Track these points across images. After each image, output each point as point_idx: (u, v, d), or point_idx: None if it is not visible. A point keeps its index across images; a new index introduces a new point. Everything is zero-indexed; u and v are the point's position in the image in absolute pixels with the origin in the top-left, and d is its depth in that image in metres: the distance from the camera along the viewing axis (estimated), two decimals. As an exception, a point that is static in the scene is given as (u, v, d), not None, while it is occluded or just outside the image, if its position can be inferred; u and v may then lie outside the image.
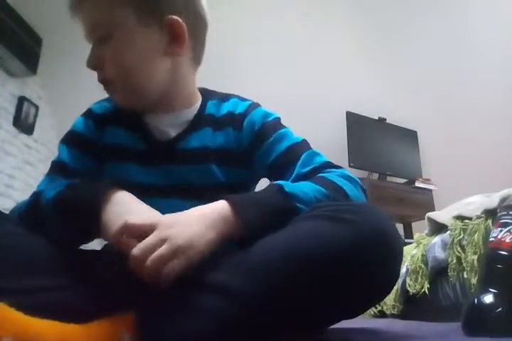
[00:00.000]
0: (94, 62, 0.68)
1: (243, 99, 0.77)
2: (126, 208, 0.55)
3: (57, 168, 0.72)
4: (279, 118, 0.75)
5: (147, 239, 0.48)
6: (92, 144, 0.73)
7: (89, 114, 0.76)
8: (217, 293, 0.46)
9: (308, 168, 0.65)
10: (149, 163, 0.71)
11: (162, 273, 0.47)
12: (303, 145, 0.70)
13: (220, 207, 0.53)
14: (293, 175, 0.65)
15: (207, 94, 0.77)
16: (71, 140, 0.74)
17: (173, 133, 0.72)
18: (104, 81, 0.69)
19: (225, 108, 0.75)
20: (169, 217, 0.52)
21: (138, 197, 0.64)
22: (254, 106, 0.75)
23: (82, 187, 0.60)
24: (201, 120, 0.73)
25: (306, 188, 0.57)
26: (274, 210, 0.53)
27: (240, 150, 0.71)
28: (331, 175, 0.62)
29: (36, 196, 0.62)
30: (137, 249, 0.48)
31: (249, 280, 0.46)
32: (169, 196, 0.68)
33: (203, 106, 0.75)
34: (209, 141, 0.71)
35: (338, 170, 0.65)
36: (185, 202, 0.59)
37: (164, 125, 0.72)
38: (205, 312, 0.46)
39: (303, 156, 0.66)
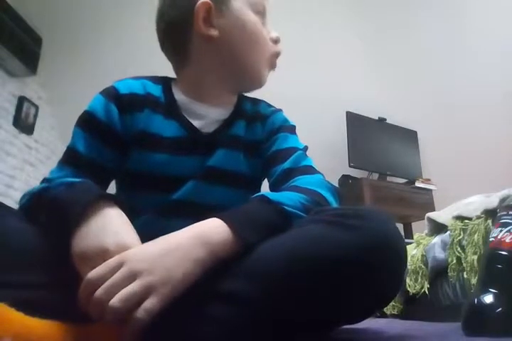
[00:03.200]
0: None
1: (270, 105, 0.84)
2: (103, 228, 0.49)
3: (69, 156, 0.68)
4: (294, 126, 0.81)
5: (113, 277, 0.44)
6: (113, 133, 0.68)
7: (112, 94, 0.70)
8: (224, 301, 0.46)
9: (292, 166, 0.70)
10: (185, 153, 0.71)
11: (134, 318, 0.42)
12: (301, 150, 0.75)
13: (214, 225, 0.50)
14: (278, 170, 0.71)
15: (240, 95, 0.82)
16: (88, 125, 0.69)
17: (212, 125, 0.75)
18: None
19: (256, 109, 0.81)
20: (143, 247, 0.48)
21: (159, 188, 0.68)
22: (278, 110, 0.83)
23: (73, 191, 0.55)
24: (238, 114, 0.78)
25: (289, 195, 0.58)
26: (266, 220, 0.52)
27: (260, 143, 0.77)
28: (308, 181, 0.65)
29: (42, 186, 0.61)
30: (100, 290, 0.43)
31: (256, 287, 0.46)
32: (191, 180, 0.70)
33: (239, 103, 0.80)
34: (241, 132, 0.76)
35: (315, 175, 0.68)
36: (207, 186, 0.69)
37: (211, 117, 0.75)
38: (213, 320, 0.45)
39: (293, 156, 0.72)
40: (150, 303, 0.43)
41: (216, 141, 0.73)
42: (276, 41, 0.78)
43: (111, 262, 0.46)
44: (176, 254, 0.47)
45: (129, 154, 0.70)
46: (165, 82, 0.76)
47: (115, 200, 0.54)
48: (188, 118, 0.73)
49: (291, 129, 0.79)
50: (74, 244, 0.49)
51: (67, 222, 0.50)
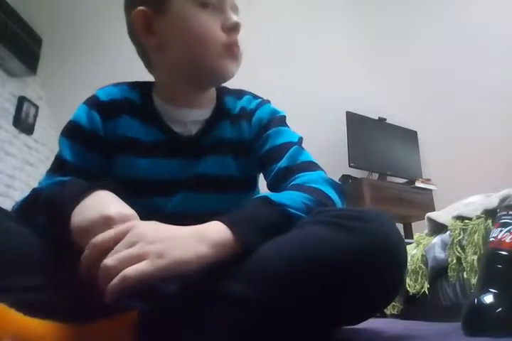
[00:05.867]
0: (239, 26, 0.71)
1: (255, 97, 0.80)
2: (102, 203, 0.51)
3: (57, 165, 0.69)
4: (284, 116, 0.78)
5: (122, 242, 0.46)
6: (98, 140, 0.70)
7: (94, 102, 0.72)
8: (225, 302, 0.46)
9: (289, 164, 0.68)
10: (167, 157, 0.70)
11: (122, 274, 0.43)
12: (296, 143, 0.72)
13: (214, 227, 0.50)
14: (275, 169, 0.68)
15: (220, 89, 0.79)
16: (73, 133, 0.70)
17: (194, 127, 0.73)
18: (238, 45, 0.71)
19: (240, 104, 0.77)
20: (151, 223, 0.50)
21: (147, 194, 0.67)
22: (264, 102, 0.78)
23: (66, 185, 0.57)
24: (220, 114, 0.75)
25: (292, 196, 0.57)
26: (268, 222, 0.52)
27: (250, 142, 0.74)
28: (310, 179, 0.63)
29: (33, 192, 0.62)
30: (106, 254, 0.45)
31: (256, 288, 0.46)
32: (181, 190, 0.69)
33: (221, 101, 0.77)
34: (227, 134, 0.74)
35: (316, 172, 0.66)
36: (199, 195, 0.69)
37: (188, 120, 0.73)
38: (214, 321, 0.45)
39: (289, 152, 0.69)
40: (142, 265, 0.44)
41: (200, 144, 0.72)
42: (231, 29, 0.70)
43: (120, 227, 0.47)
44: (181, 243, 0.47)
45: (114, 160, 0.70)
46: (144, 87, 0.76)
47: (110, 187, 0.55)
48: (166, 121, 0.72)
49: (282, 121, 0.76)
50: (73, 220, 0.50)
51: (64, 208, 0.51)
